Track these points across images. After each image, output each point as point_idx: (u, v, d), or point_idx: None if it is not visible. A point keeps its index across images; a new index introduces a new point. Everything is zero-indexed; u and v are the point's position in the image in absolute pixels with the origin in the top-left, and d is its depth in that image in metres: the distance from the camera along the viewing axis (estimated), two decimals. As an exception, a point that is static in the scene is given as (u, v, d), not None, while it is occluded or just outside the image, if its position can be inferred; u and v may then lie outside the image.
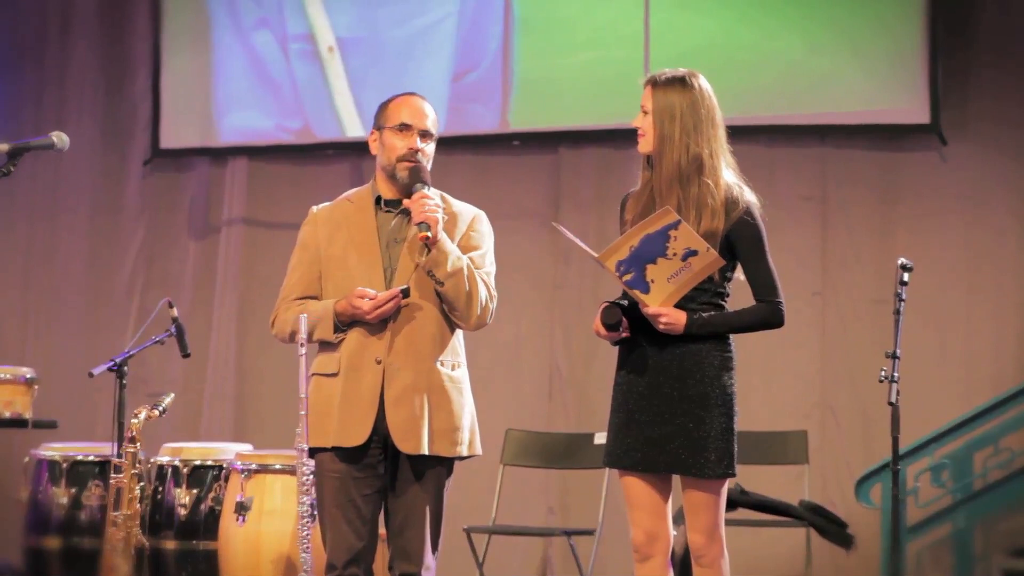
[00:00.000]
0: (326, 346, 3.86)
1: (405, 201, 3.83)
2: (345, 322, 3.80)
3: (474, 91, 7.03)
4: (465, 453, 3.89)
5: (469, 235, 3.91)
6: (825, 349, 6.59)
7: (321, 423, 3.81)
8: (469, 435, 3.89)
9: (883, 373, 4.21)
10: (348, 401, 3.79)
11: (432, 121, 3.92)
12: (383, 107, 3.95)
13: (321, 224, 3.94)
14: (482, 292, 3.83)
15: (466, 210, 3.96)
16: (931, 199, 6.54)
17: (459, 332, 3.92)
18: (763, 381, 6.48)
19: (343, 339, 3.82)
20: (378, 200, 3.92)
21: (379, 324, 3.79)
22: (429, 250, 3.74)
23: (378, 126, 3.93)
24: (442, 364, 3.84)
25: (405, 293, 3.76)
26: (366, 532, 3.83)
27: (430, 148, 3.91)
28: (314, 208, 4.01)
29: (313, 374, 3.89)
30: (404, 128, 3.87)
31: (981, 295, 6.46)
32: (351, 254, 3.87)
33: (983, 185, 6.50)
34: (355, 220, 3.90)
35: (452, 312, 3.84)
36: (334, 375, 3.82)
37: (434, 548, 3.87)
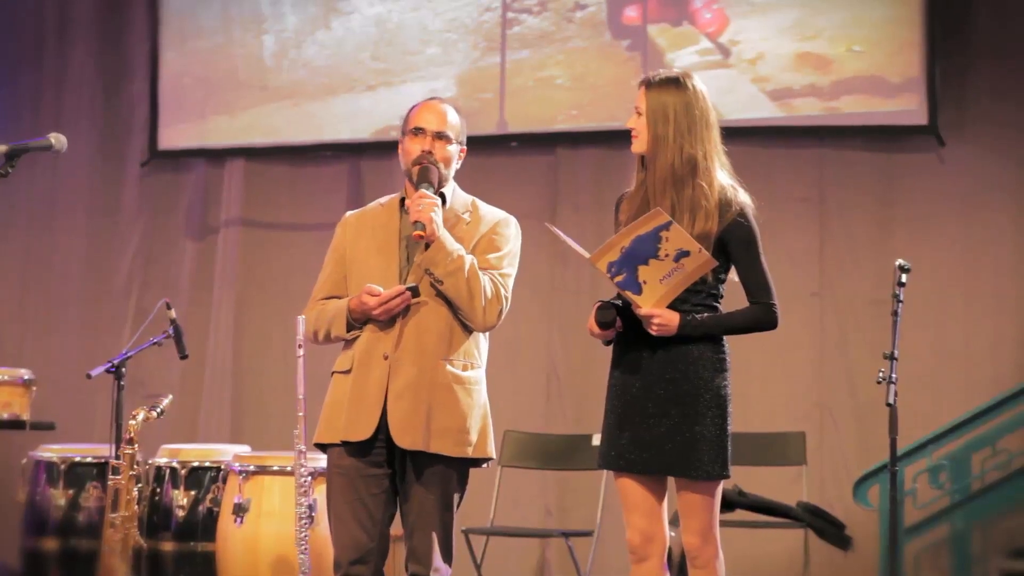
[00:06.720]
0: (346, 344, 3.91)
1: (406, 201, 3.88)
2: (358, 319, 3.84)
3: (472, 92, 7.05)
4: (471, 454, 3.83)
5: (490, 237, 3.93)
6: (823, 350, 6.59)
7: (333, 418, 3.85)
8: (478, 436, 3.84)
9: (881, 374, 4.20)
10: (357, 396, 3.82)
11: (450, 124, 3.94)
12: (405, 115, 4.01)
13: (350, 227, 4.02)
14: (486, 291, 3.81)
15: (492, 213, 4.00)
16: (929, 200, 6.55)
17: (479, 335, 3.91)
18: (761, 382, 6.48)
19: (358, 336, 3.86)
20: (402, 201, 3.96)
21: (390, 321, 3.81)
22: (427, 248, 3.77)
23: (401, 134, 4.00)
24: (451, 363, 3.83)
25: (414, 291, 3.77)
26: (375, 532, 3.82)
27: (451, 150, 3.94)
28: (348, 213, 4.10)
29: (332, 372, 3.94)
30: (418, 132, 3.92)
31: (978, 296, 6.46)
32: (372, 253, 3.92)
33: (981, 186, 6.50)
34: (380, 221, 3.97)
35: (458, 311, 3.83)
36: (348, 372, 3.86)
37: (444, 555, 3.81)
